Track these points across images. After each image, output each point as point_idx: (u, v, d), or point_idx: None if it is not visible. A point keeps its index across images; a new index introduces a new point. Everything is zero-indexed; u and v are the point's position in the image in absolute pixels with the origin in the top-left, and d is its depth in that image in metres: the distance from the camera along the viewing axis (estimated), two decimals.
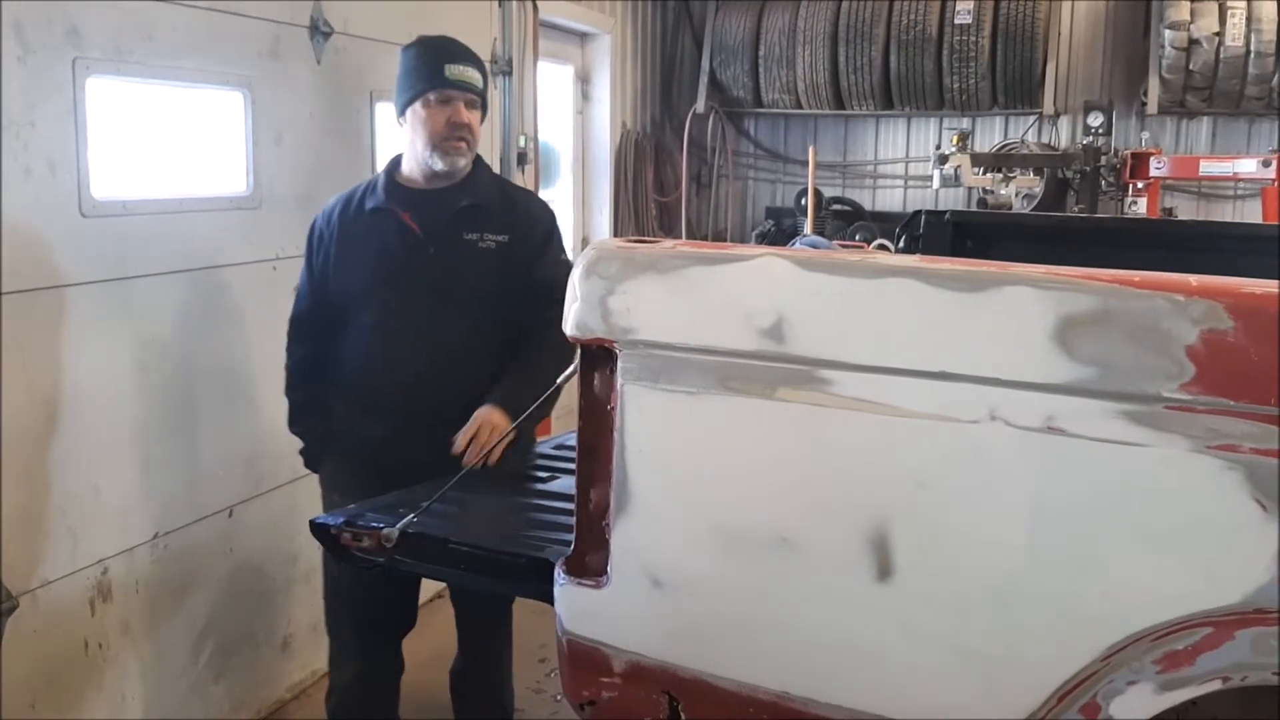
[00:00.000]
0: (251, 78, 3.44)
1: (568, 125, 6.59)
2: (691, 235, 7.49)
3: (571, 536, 1.97)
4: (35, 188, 2.73)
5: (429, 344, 2.89)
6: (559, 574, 1.95)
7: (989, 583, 1.63)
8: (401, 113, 2.99)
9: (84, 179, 2.86)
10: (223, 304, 3.39)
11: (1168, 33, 6.14)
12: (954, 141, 6.25)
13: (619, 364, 1.85)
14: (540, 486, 2.71)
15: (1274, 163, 5.74)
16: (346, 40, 3.84)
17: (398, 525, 2.22)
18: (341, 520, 2.32)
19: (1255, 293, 1.49)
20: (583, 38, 6.58)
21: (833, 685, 1.75)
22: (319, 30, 3.71)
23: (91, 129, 2.88)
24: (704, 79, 7.26)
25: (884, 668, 1.71)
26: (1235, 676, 1.49)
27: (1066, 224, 3.88)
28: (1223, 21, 6.05)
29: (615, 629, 1.89)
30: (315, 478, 3.81)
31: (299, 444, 3.39)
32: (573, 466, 1.99)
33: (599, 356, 1.89)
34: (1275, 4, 5.98)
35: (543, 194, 5.48)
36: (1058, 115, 6.83)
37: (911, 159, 7.33)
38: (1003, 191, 6.30)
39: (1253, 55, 6.02)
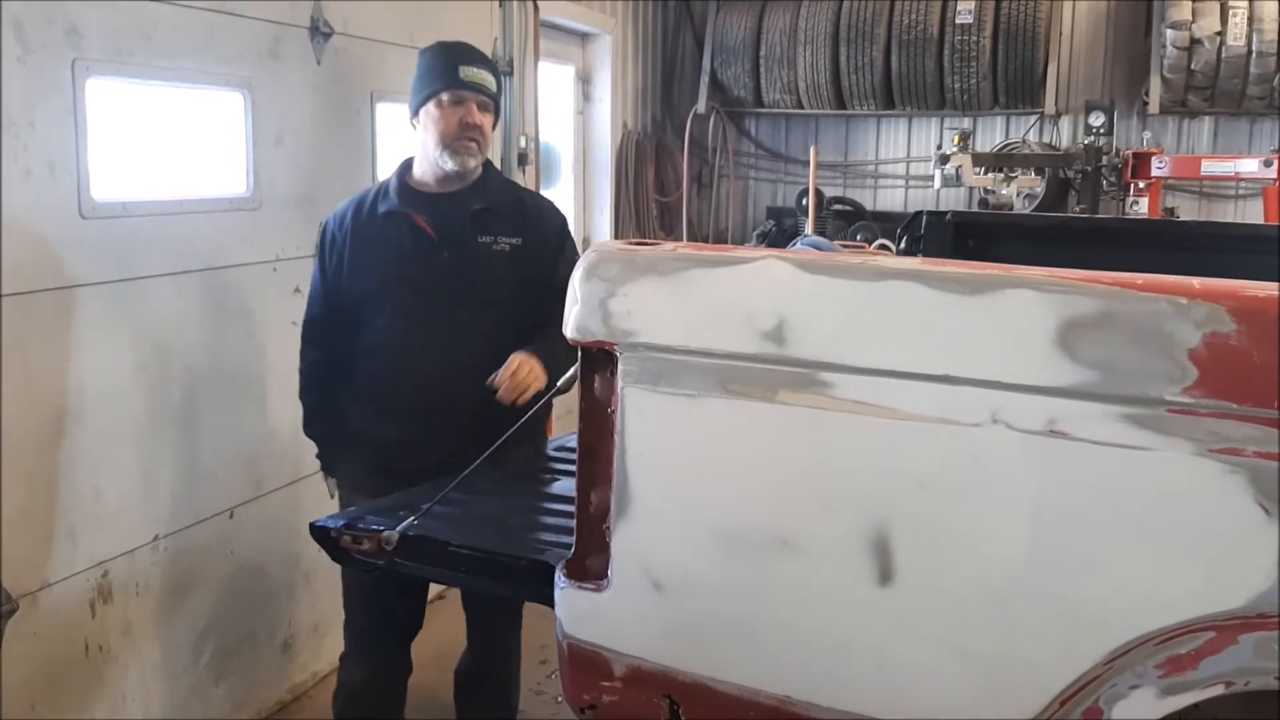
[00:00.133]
0: (251, 78, 3.44)
1: (568, 125, 6.58)
2: (692, 235, 7.48)
3: (572, 539, 1.97)
4: (35, 189, 2.72)
5: (445, 346, 2.90)
6: (559, 577, 1.95)
7: (991, 586, 1.62)
8: (415, 113, 3.01)
9: (84, 180, 2.86)
10: (223, 305, 3.39)
11: (1169, 32, 6.13)
12: (955, 141, 6.24)
13: (619, 366, 1.84)
14: (541, 489, 2.71)
15: (1275, 162, 5.72)
16: (347, 41, 3.84)
17: (398, 528, 2.22)
18: (341, 523, 2.31)
19: (1258, 295, 1.48)
20: (583, 38, 6.57)
21: (834, 689, 1.75)
22: (319, 31, 3.70)
23: (91, 130, 2.88)
24: (705, 79, 7.25)
25: (885, 671, 1.71)
26: (1238, 681, 1.49)
27: (1068, 225, 3.87)
28: (1224, 21, 6.04)
29: (616, 633, 1.89)
30: (315, 479, 3.81)
31: (299, 445, 3.40)
32: (574, 468, 1.99)
33: (599, 359, 1.88)
34: (1277, 3, 5.97)
35: (543, 194, 5.47)
36: (1059, 115, 6.82)
37: (913, 159, 7.32)
38: (1004, 191, 6.29)
39: (1254, 55, 6.01)
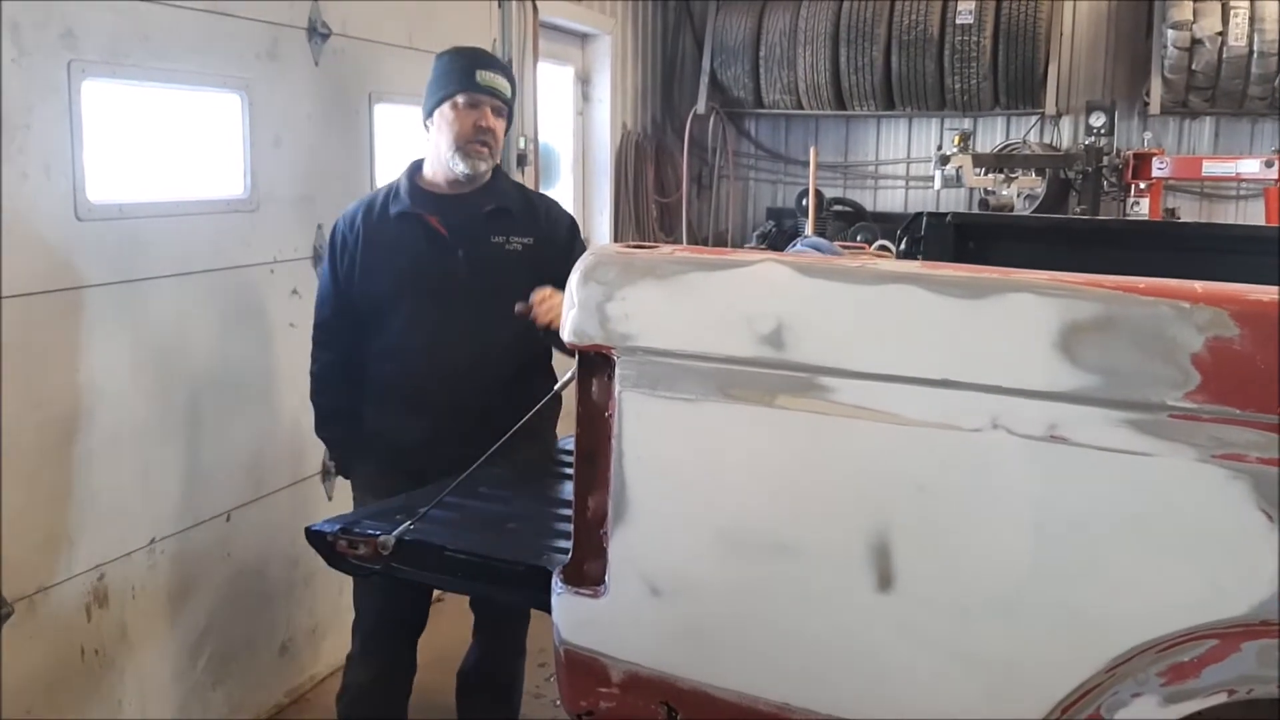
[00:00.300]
0: (249, 80, 3.42)
1: (568, 126, 6.57)
2: (692, 236, 7.47)
3: (570, 544, 1.95)
4: (31, 191, 2.71)
5: (461, 345, 2.92)
6: (556, 583, 1.93)
7: (992, 593, 1.61)
8: (429, 115, 3.02)
9: (80, 182, 2.84)
10: (220, 307, 3.37)
11: (1170, 32, 6.11)
12: (955, 142, 6.22)
13: (617, 371, 1.83)
14: (541, 492, 2.69)
15: (1276, 163, 5.71)
16: (345, 42, 3.82)
17: (394, 533, 2.20)
18: (338, 527, 2.30)
19: (1261, 299, 1.47)
20: (583, 38, 6.56)
21: (833, 695, 1.74)
22: (317, 32, 3.69)
23: (88, 132, 2.86)
24: (705, 79, 7.24)
25: (885, 678, 1.69)
26: (1241, 689, 1.48)
27: (1070, 226, 3.86)
28: (1225, 21, 6.02)
29: (613, 639, 1.88)
30: (314, 481, 3.84)
31: (297, 447, 3.40)
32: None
33: (597, 363, 1.87)
34: (1278, 4, 5.95)
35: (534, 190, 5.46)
36: (1060, 115, 6.81)
37: (913, 159, 7.30)
38: (1004, 192, 6.27)
39: (1256, 55, 6.00)
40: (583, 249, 3.05)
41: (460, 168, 2.95)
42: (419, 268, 2.95)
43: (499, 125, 3.00)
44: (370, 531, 2.25)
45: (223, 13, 3.27)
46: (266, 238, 3.54)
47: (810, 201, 6.35)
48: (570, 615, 1.92)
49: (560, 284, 2.81)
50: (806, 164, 6.58)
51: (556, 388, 2.09)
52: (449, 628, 3.35)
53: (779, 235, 6.99)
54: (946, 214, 3.36)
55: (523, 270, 2.92)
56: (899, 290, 1.66)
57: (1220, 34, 6.02)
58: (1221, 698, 1.48)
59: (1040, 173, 6.53)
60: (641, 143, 7.02)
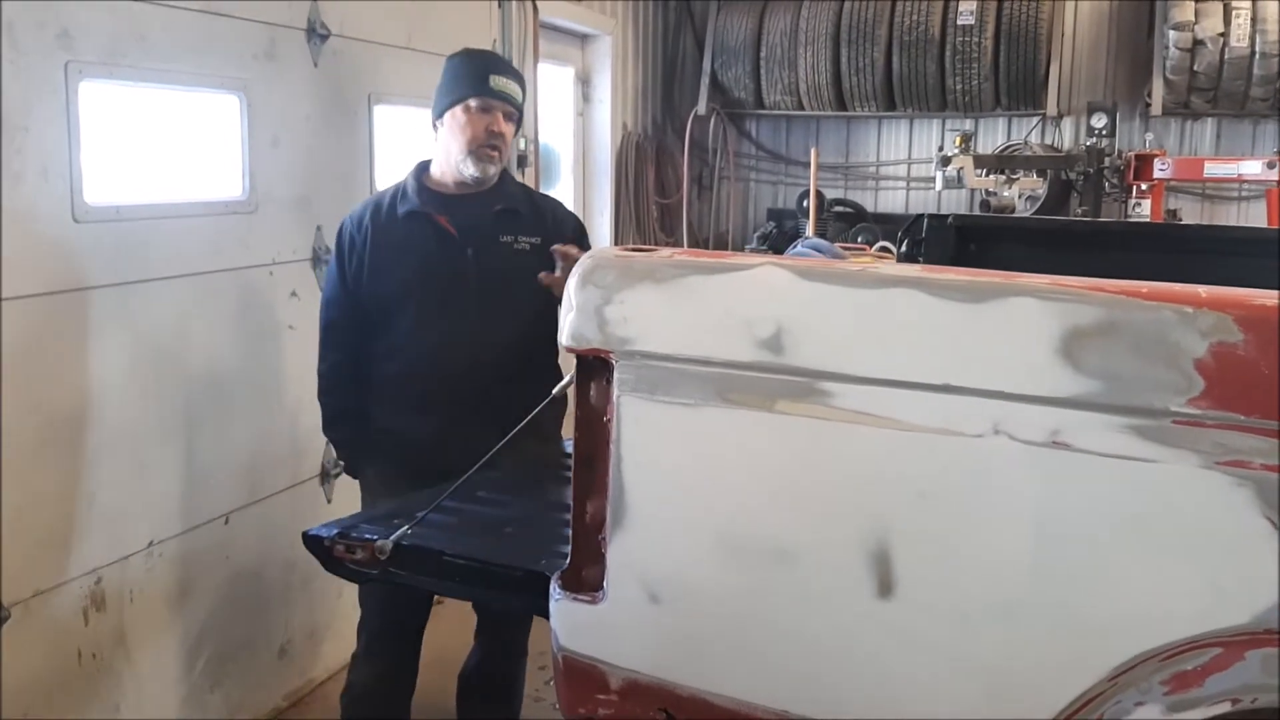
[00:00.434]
0: (247, 80, 3.41)
1: (568, 127, 6.55)
2: (693, 237, 7.46)
3: (569, 549, 1.94)
4: (27, 193, 2.70)
5: (472, 344, 2.94)
6: (554, 588, 1.92)
7: (993, 601, 1.59)
8: (439, 116, 3.04)
9: (77, 184, 2.83)
10: (218, 309, 3.36)
11: (1172, 33, 6.09)
12: (957, 143, 6.20)
13: (615, 375, 1.81)
14: (541, 496, 2.68)
15: (1278, 164, 5.69)
16: (344, 43, 3.81)
17: (391, 537, 2.19)
18: (335, 532, 2.29)
19: (1266, 304, 1.45)
20: (583, 39, 6.54)
21: (832, 703, 1.72)
22: (316, 32, 3.67)
23: (85, 133, 2.85)
24: (705, 80, 7.22)
25: (884, 685, 1.68)
26: (1245, 699, 1.46)
27: (1072, 228, 3.84)
28: (1227, 22, 6.01)
29: (612, 645, 1.86)
30: (312, 484, 3.82)
31: (296, 450, 3.39)
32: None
33: (595, 367, 1.86)
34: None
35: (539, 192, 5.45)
36: (1061, 116, 6.79)
37: (914, 160, 7.29)
38: (1006, 193, 6.25)
39: (1258, 56, 5.98)
40: (589, 249, 3.07)
41: (471, 171, 2.98)
42: (429, 267, 2.97)
43: (509, 130, 3.04)
44: (368, 536, 2.23)
45: (220, 13, 3.26)
46: (265, 239, 3.53)
47: (811, 203, 6.33)
48: (568, 621, 1.90)
49: None
50: (807, 165, 6.56)
51: (554, 391, 2.08)
52: (450, 630, 3.34)
53: (780, 236, 6.97)
54: (948, 216, 3.35)
55: (531, 270, 2.94)
56: (900, 294, 1.65)
57: (1222, 35, 6.00)
58: (1225, 707, 1.47)
59: (1042, 174, 6.51)
60: (642, 143, 7.00)
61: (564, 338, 1.85)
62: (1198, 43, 6.05)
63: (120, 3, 2.93)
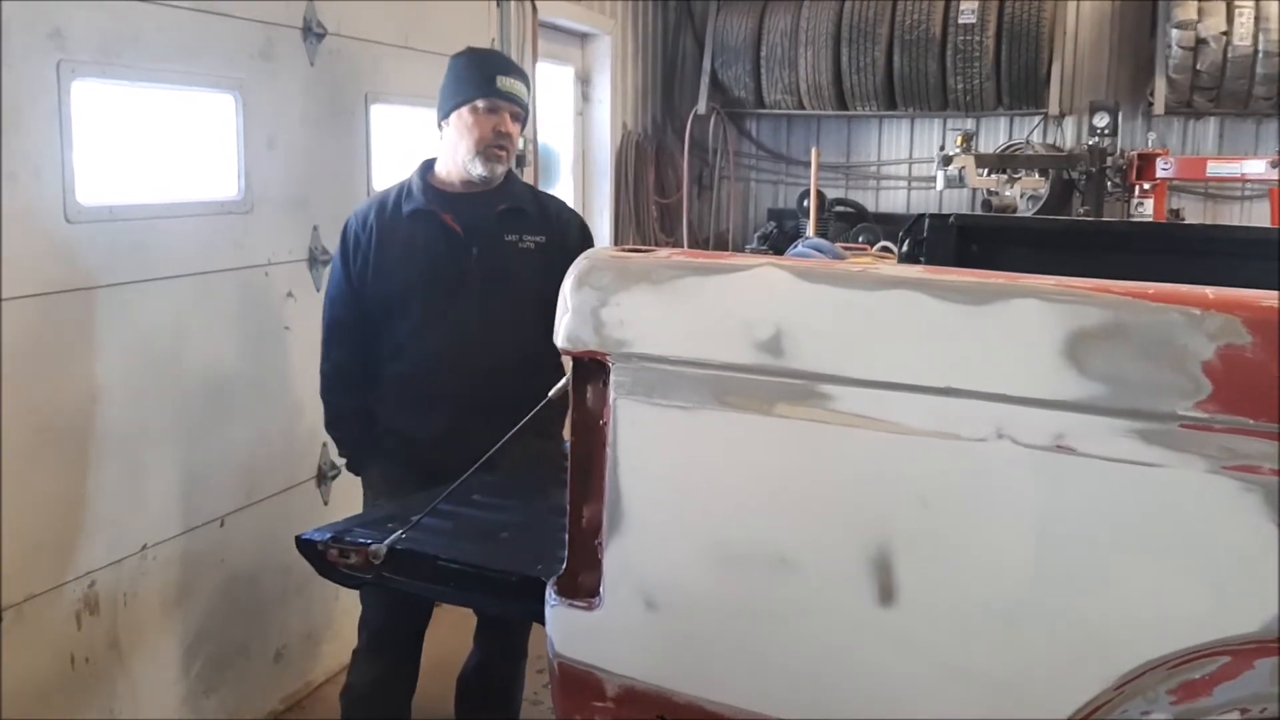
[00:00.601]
0: (243, 80, 3.38)
1: (568, 127, 6.53)
2: (693, 237, 7.43)
3: (565, 554, 1.91)
4: (19, 193, 2.67)
5: (477, 342, 2.95)
6: (550, 594, 1.89)
7: (996, 608, 1.56)
8: (445, 116, 3.05)
9: (69, 184, 2.80)
10: (213, 310, 3.33)
11: (1175, 32, 6.06)
12: (958, 142, 6.17)
13: (612, 377, 1.78)
14: (538, 499, 2.64)
15: None
16: (341, 42, 3.78)
17: (385, 541, 2.16)
18: (329, 536, 2.26)
19: (1275, 306, 1.42)
20: (583, 38, 6.52)
21: (832, 711, 1.69)
22: (312, 31, 3.65)
23: (77, 133, 2.82)
24: (705, 80, 7.19)
25: (885, 694, 1.65)
26: (1254, 708, 1.43)
27: (1075, 228, 3.81)
28: (1230, 21, 5.98)
29: (608, 652, 1.83)
30: (309, 486, 3.79)
31: (291, 452, 3.36)
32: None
33: (591, 369, 1.83)
34: None
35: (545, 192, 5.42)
36: (1063, 116, 6.76)
37: (915, 160, 7.26)
38: (1007, 193, 6.22)
39: (1260, 55, 5.95)
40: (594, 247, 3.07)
41: (479, 171, 3.00)
42: (433, 265, 2.97)
43: (516, 129, 3.06)
44: (361, 540, 2.20)
45: (215, 12, 3.23)
46: (261, 240, 3.50)
47: (812, 202, 6.29)
48: (564, 628, 1.87)
49: None
50: (808, 164, 6.53)
51: (550, 394, 2.05)
52: (450, 633, 3.33)
53: (780, 236, 6.94)
54: (949, 216, 3.32)
55: (535, 268, 2.95)
56: (901, 296, 1.61)
57: (1225, 34, 5.97)
58: (1234, 716, 1.44)
59: (1044, 173, 6.48)
60: (642, 143, 6.97)
61: (560, 339, 1.83)
62: (1201, 41, 6.02)
63: (113, 2, 2.90)
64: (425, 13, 4.25)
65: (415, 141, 3.87)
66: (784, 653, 1.71)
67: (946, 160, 6.10)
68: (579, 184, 6.63)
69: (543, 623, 1.93)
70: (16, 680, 2.73)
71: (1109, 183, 6.27)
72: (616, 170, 6.70)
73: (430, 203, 3.01)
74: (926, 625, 1.61)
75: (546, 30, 5.69)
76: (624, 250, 1.84)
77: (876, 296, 1.64)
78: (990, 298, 1.56)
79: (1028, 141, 6.81)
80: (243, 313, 3.45)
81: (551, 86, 6.23)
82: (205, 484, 3.35)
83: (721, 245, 7.57)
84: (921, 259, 3.16)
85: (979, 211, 6.34)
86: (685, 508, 1.76)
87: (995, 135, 7.01)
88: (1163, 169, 5.96)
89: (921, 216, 3.34)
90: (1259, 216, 6.39)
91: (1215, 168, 6.04)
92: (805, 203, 6.67)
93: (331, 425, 3.18)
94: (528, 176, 5.29)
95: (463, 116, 2.99)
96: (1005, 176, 6.26)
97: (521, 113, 3.07)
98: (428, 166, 3.11)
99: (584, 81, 6.60)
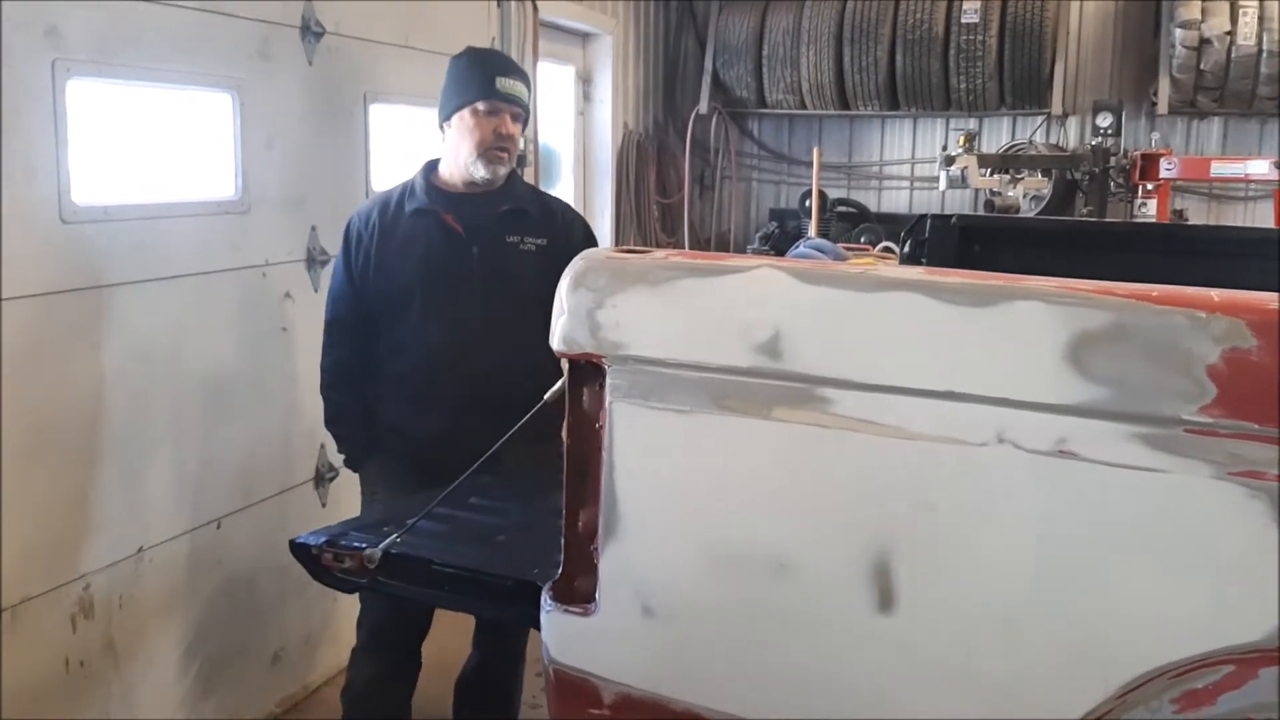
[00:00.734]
0: (240, 79, 3.36)
1: (569, 126, 6.51)
2: (695, 237, 7.41)
3: (561, 558, 1.88)
4: (13, 194, 2.64)
5: (476, 342, 2.95)
6: (546, 599, 1.86)
7: (997, 615, 1.54)
8: (447, 118, 3.06)
9: (64, 184, 2.78)
10: (211, 311, 3.31)
11: (1178, 32, 6.04)
12: (961, 142, 6.15)
13: (608, 380, 1.76)
14: (536, 503, 2.62)
15: None
16: (339, 41, 3.76)
17: (380, 545, 2.14)
18: (323, 540, 2.23)
19: None
20: (584, 38, 6.50)
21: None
22: (310, 31, 3.62)
23: (73, 132, 2.80)
24: (707, 79, 7.17)
25: (885, 703, 1.62)
26: (1258, 718, 1.41)
27: (1078, 229, 3.78)
28: (1234, 20, 5.95)
29: (604, 659, 1.81)
30: (306, 488, 3.77)
31: (288, 454, 3.34)
32: None
33: (587, 372, 1.80)
34: None
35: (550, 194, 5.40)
36: (1066, 116, 6.74)
37: (918, 160, 7.24)
38: (1010, 193, 6.20)
39: (1265, 55, 5.92)
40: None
41: (480, 173, 3.01)
42: (433, 264, 2.98)
43: (517, 130, 3.06)
44: (356, 544, 2.18)
45: (213, 11, 3.20)
46: (258, 240, 3.47)
47: (814, 202, 6.26)
48: (560, 633, 1.85)
49: None
50: (810, 164, 6.50)
51: (546, 397, 2.02)
52: (449, 635, 3.31)
53: (782, 236, 6.92)
54: (951, 216, 3.29)
55: (536, 270, 2.93)
56: (901, 298, 1.59)
57: (1229, 33, 5.95)
58: None
59: (1046, 174, 6.45)
60: (643, 143, 6.95)
61: (555, 342, 1.80)
62: (1204, 41, 5.99)
63: (109, 0, 2.88)
64: (425, 12, 4.23)
65: (416, 142, 3.85)
66: (782, 660, 1.68)
67: (949, 160, 6.08)
68: (580, 184, 6.61)
69: (539, 628, 1.90)
70: (11, 684, 2.71)
71: (1112, 183, 6.24)
72: (618, 170, 6.68)
73: (432, 203, 3.02)
74: (927, 632, 1.59)
75: (547, 30, 5.67)
76: (620, 251, 1.81)
77: (876, 298, 1.61)
78: (992, 300, 1.53)
79: (1030, 142, 6.79)
80: (240, 314, 3.43)
81: (552, 86, 6.21)
82: (202, 486, 3.33)
83: (723, 245, 7.55)
84: (923, 260, 3.13)
85: (981, 212, 6.31)
86: (682, 512, 1.74)
87: (998, 135, 6.99)
88: (1166, 169, 5.93)
89: (923, 217, 3.31)
90: (1263, 217, 6.36)
91: (1219, 168, 6.02)
92: (807, 203, 6.64)
93: (331, 422, 3.18)
94: (528, 176, 5.27)
95: (464, 119, 2.99)
96: (1008, 177, 6.24)
97: (522, 114, 3.07)
98: (431, 167, 3.12)
99: (585, 81, 6.58)
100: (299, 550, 2.27)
